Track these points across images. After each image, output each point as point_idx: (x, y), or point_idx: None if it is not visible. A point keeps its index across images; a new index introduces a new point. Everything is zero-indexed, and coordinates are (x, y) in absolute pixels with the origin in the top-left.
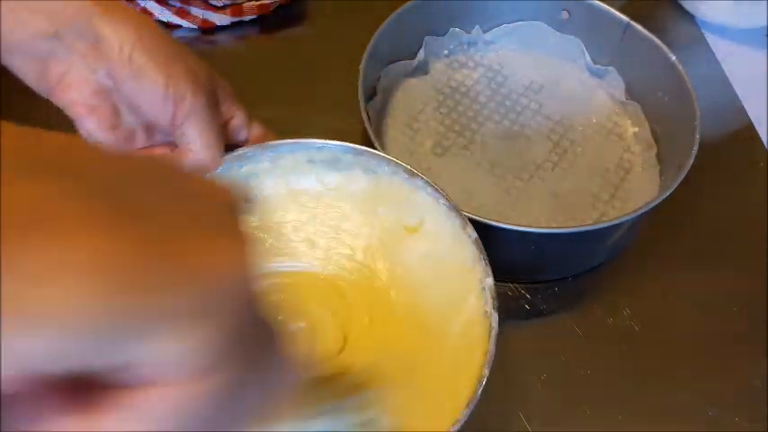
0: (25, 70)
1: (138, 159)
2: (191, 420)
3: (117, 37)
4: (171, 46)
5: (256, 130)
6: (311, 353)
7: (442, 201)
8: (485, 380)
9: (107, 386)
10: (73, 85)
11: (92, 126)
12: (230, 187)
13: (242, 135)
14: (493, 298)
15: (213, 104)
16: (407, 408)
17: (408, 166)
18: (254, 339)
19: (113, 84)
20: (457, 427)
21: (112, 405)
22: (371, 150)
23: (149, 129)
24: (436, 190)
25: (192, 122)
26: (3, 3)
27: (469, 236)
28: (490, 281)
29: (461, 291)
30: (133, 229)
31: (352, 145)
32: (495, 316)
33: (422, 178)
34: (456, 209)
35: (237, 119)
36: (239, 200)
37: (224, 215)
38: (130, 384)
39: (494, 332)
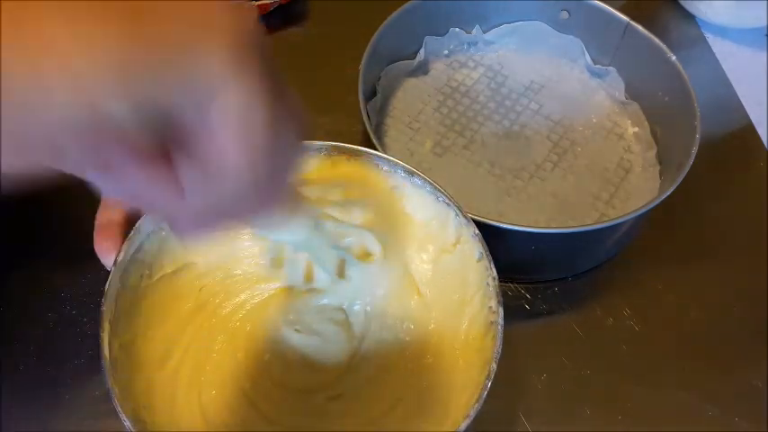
0: None
1: None
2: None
3: None
4: None
5: None
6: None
7: (441, 198)
8: (493, 374)
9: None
10: None
11: None
12: None
13: None
14: (497, 294)
15: None
16: (417, 405)
17: (407, 165)
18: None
19: None
20: (467, 422)
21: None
22: (369, 150)
23: None
24: (436, 188)
25: None
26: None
27: (473, 233)
28: (494, 277)
29: (465, 288)
30: None
31: (348, 145)
32: (501, 311)
33: (420, 176)
34: (455, 205)
35: None
36: None
37: None
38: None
39: (500, 327)
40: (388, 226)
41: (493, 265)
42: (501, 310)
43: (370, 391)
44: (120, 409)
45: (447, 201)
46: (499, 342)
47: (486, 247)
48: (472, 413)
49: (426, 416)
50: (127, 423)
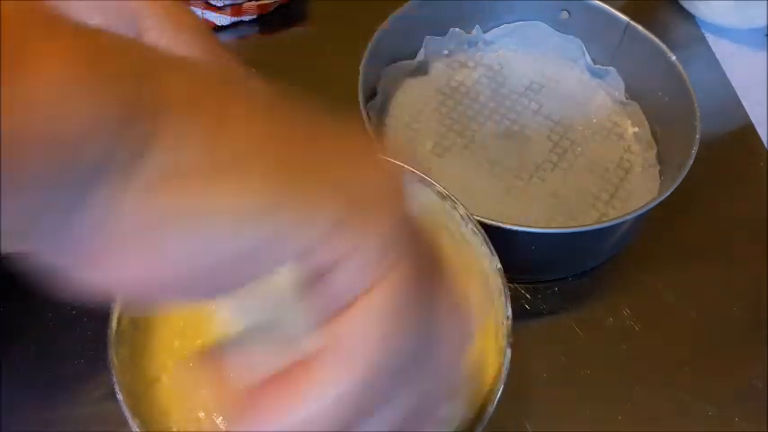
0: None
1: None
2: (401, 315)
3: (156, 33)
4: (214, 47)
5: None
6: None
7: (434, 188)
8: (488, 416)
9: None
10: None
11: None
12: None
13: None
14: (508, 333)
15: None
16: None
17: (431, 180)
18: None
19: None
20: None
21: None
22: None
23: None
24: (451, 199)
25: None
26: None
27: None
28: (508, 316)
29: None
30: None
31: None
32: (509, 353)
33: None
34: (448, 197)
35: None
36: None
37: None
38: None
39: (505, 370)
40: None
41: (509, 303)
42: (509, 352)
43: None
44: (125, 407)
45: (440, 189)
46: (501, 385)
47: (489, 243)
48: None
49: None
50: (133, 423)
